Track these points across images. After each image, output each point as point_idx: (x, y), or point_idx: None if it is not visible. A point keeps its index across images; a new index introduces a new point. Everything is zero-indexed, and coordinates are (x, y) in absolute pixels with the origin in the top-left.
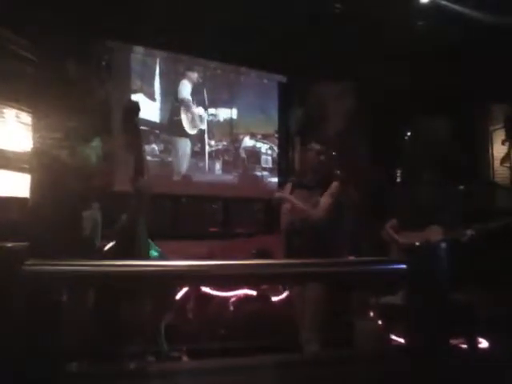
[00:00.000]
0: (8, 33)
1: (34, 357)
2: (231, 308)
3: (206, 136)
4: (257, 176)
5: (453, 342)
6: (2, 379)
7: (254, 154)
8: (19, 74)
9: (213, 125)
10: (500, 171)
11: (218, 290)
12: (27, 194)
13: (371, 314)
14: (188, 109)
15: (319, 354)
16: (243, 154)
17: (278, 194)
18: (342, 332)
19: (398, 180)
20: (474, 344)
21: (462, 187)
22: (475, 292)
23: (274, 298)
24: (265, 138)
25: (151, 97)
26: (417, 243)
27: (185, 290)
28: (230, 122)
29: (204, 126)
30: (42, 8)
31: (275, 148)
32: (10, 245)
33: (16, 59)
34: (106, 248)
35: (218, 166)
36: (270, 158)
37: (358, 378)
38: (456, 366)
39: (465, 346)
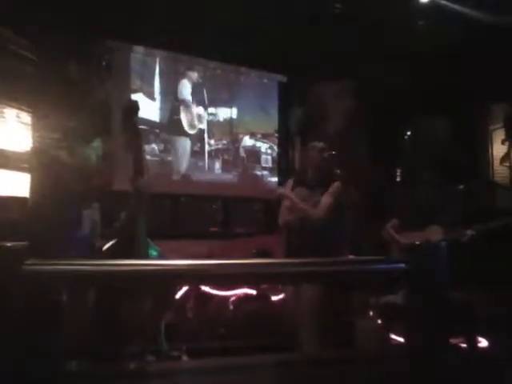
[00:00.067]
0: (8, 32)
1: (34, 356)
2: (231, 307)
3: (205, 135)
4: (257, 175)
5: (452, 341)
6: (1, 379)
7: (254, 154)
8: (19, 73)
9: (212, 124)
10: (500, 171)
11: (217, 289)
12: (27, 194)
13: (371, 313)
14: (188, 108)
15: (319, 354)
16: (243, 154)
17: (279, 191)
18: (341, 331)
19: (398, 180)
20: (473, 343)
21: (461, 187)
22: (475, 292)
23: (274, 298)
24: (265, 137)
25: (151, 96)
26: (417, 243)
27: (184, 289)
28: (229, 121)
29: (204, 126)
30: (42, 8)
31: (275, 147)
32: (9, 244)
33: (16, 59)
34: (106, 247)
35: (217, 165)
36: (269, 157)
37: (357, 378)
38: (456, 366)
39: (464, 346)
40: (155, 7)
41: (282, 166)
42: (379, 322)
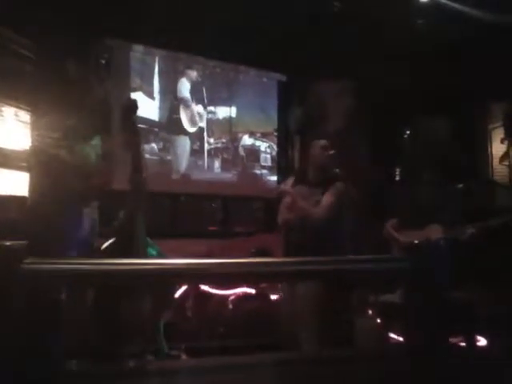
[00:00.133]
0: (8, 32)
1: (34, 356)
2: (230, 306)
3: (205, 134)
4: (256, 174)
5: (452, 340)
6: (1, 379)
7: (253, 153)
8: (19, 72)
9: (212, 123)
10: (499, 169)
11: (216, 288)
12: (26, 193)
13: (370, 312)
14: (187, 107)
15: (318, 353)
16: (242, 153)
17: (281, 187)
18: (341, 330)
19: (398, 179)
20: (473, 342)
21: (461, 186)
22: (475, 290)
23: (273, 297)
24: (264, 136)
25: (150, 95)
26: (417, 242)
27: (184, 288)
28: (229, 120)
29: (203, 124)
30: (42, 8)
31: (274, 146)
32: (8, 243)
33: (15, 58)
34: (105, 246)
35: (217, 164)
36: (269, 156)
37: (357, 377)
38: (455, 365)
39: (464, 345)
40: (154, 6)
41: (282, 164)
42: (379, 320)
